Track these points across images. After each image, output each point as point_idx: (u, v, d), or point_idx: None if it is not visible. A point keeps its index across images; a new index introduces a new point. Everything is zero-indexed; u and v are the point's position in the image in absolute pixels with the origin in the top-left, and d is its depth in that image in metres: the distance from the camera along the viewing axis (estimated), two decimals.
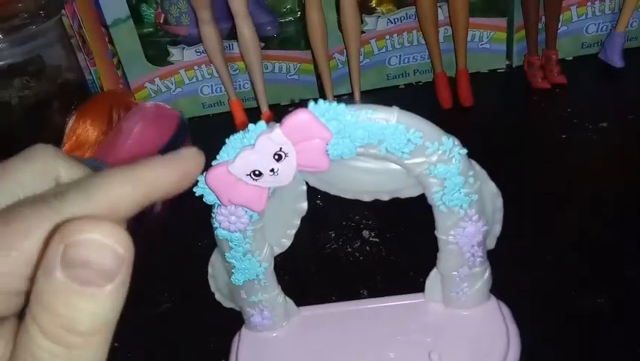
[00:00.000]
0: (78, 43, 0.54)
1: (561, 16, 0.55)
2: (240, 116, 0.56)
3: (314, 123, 0.21)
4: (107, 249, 0.13)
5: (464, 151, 0.24)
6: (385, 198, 0.26)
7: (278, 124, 0.21)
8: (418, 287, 0.31)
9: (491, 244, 0.29)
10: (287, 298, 0.30)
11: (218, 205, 0.24)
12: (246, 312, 0.30)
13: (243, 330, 0.31)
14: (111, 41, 0.55)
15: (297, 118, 0.21)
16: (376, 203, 0.27)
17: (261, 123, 0.21)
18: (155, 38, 0.56)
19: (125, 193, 0.16)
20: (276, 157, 0.21)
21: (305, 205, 0.27)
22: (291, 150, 0.21)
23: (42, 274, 0.13)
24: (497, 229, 0.28)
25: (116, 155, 0.45)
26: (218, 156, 0.22)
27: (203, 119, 0.59)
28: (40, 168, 0.17)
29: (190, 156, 0.18)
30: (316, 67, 0.56)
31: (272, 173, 0.22)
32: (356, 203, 0.27)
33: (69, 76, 0.53)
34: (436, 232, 0.27)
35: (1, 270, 0.14)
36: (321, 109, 0.21)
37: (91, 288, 0.13)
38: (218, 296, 0.31)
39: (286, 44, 0.57)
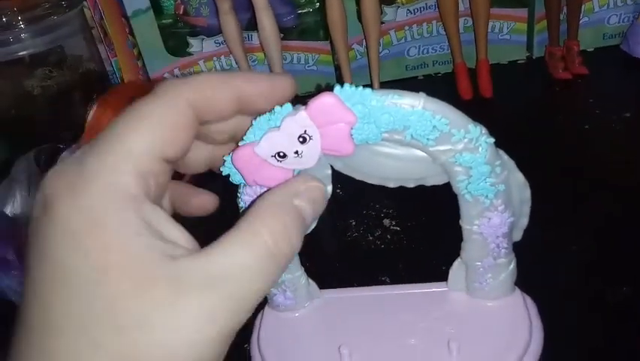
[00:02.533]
0: (99, 34, 0.55)
1: (582, 7, 0.54)
2: None
3: (339, 107, 0.21)
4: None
5: (491, 140, 0.23)
6: (411, 185, 0.26)
7: (303, 106, 0.21)
8: (440, 276, 0.31)
9: (517, 236, 0.28)
10: (310, 280, 0.30)
11: (244, 185, 0.25)
12: (269, 291, 0.30)
13: (266, 309, 0.31)
14: (131, 32, 0.55)
15: (323, 101, 0.21)
16: (397, 192, 0.27)
17: (287, 105, 0.21)
18: (175, 29, 0.56)
19: (221, 89, 0.18)
20: (301, 139, 0.21)
21: (330, 189, 0.27)
22: (315, 132, 0.21)
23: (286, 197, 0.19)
24: (524, 221, 0.28)
25: None
26: (244, 137, 0.22)
27: None
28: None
29: (285, 77, 0.20)
30: (335, 58, 0.56)
31: (296, 155, 0.22)
32: (376, 192, 0.27)
33: (90, 66, 0.54)
34: (460, 222, 0.26)
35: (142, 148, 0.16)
36: (347, 93, 0.21)
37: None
38: None
39: (305, 35, 0.56)
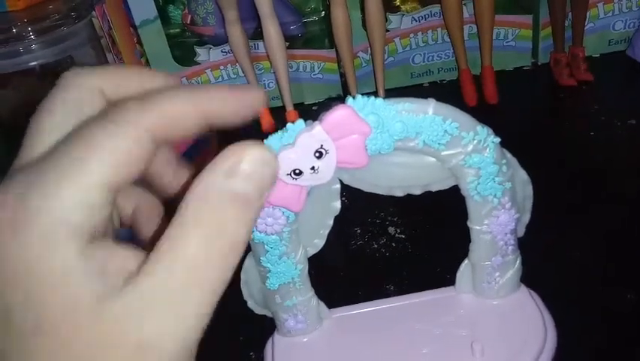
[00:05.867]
0: (108, 44, 0.55)
1: (588, 13, 0.54)
2: (265, 115, 0.56)
3: (354, 118, 0.21)
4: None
5: (498, 139, 0.24)
6: (417, 192, 0.27)
7: (317, 121, 0.21)
8: (445, 282, 0.31)
9: (520, 232, 0.29)
10: (319, 301, 0.30)
11: None
12: (279, 317, 0.30)
13: (276, 336, 0.30)
14: (139, 42, 0.56)
15: (338, 114, 0.21)
16: (402, 199, 0.27)
17: (300, 122, 0.21)
18: (182, 39, 0.57)
19: (185, 112, 0.16)
20: (317, 154, 0.21)
21: (338, 204, 0.27)
22: (331, 146, 0.21)
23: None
24: (527, 217, 0.28)
25: None
26: None
27: None
28: (80, 96, 0.17)
29: (253, 91, 0.18)
30: (340, 66, 0.57)
31: (312, 171, 0.21)
32: (381, 200, 0.27)
33: None
34: (468, 223, 0.27)
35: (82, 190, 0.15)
36: (360, 104, 0.21)
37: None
38: (250, 304, 0.31)
39: (310, 43, 0.57)
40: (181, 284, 0.15)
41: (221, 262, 0.15)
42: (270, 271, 0.27)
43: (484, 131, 0.23)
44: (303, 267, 0.28)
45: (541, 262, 0.33)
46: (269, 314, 0.31)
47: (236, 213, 0.15)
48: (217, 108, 0.17)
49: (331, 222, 0.28)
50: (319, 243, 0.28)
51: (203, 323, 0.15)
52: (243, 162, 0.16)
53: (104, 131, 0.15)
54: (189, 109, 0.16)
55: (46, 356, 0.14)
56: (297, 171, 0.21)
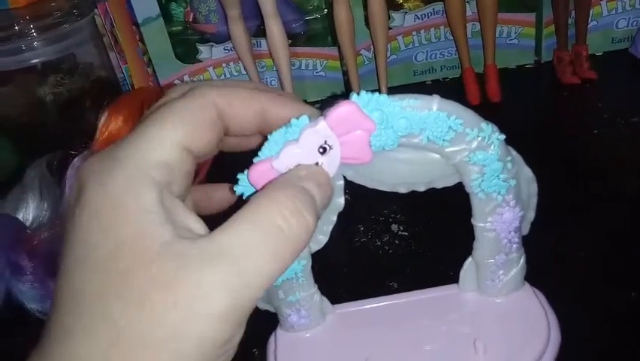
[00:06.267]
0: (110, 42, 0.55)
1: (591, 11, 0.54)
2: None
3: (359, 114, 0.21)
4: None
5: (502, 137, 0.24)
6: (422, 189, 0.26)
7: (321, 117, 0.21)
8: (448, 279, 0.31)
9: (525, 230, 0.28)
10: (323, 296, 0.30)
11: None
12: (282, 312, 0.30)
13: (279, 331, 0.30)
14: (142, 39, 0.55)
15: (342, 109, 0.21)
16: (405, 197, 0.27)
17: (304, 117, 0.21)
18: (185, 36, 0.56)
19: (245, 98, 0.19)
20: (321, 150, 0.21)
21: (342, 201, 0.27)
22: (335, 142, 0.21)
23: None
24: (531, 214, 0.28)
25: None
26: (260, 153, 0.21)
27: None
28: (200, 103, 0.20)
29: (310, 108, 0.21)
30: (343, 63, 0.57)
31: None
32: (384, 196, 0.27)
33: (101, 74, 0.54)
34: (472, 220, 0.27)
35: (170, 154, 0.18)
36: (364, 100, 0.21)
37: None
38: None
39: (313, 41, 0.57)
40: (255, 245, 0.16)
41: (299, 236, 0.17)
42: None
43: (488, 128, 0.23)
44: (307, 263, 0.28)
45: (545, 261, 0.33)
46: (272, 309, 0.31)
47: (308, 204, 0.18)
48: (274, 111, 0.20)
49: (335, 218, 0.28)
50: (323, 239, 0.28)
51: (262, 286, 0.16)
52: (316, 175, 0.20)
53: (177, 103, 0.18)
54: (250, 101, 0.19)
55: (118, 279, 0.15)
56: None
